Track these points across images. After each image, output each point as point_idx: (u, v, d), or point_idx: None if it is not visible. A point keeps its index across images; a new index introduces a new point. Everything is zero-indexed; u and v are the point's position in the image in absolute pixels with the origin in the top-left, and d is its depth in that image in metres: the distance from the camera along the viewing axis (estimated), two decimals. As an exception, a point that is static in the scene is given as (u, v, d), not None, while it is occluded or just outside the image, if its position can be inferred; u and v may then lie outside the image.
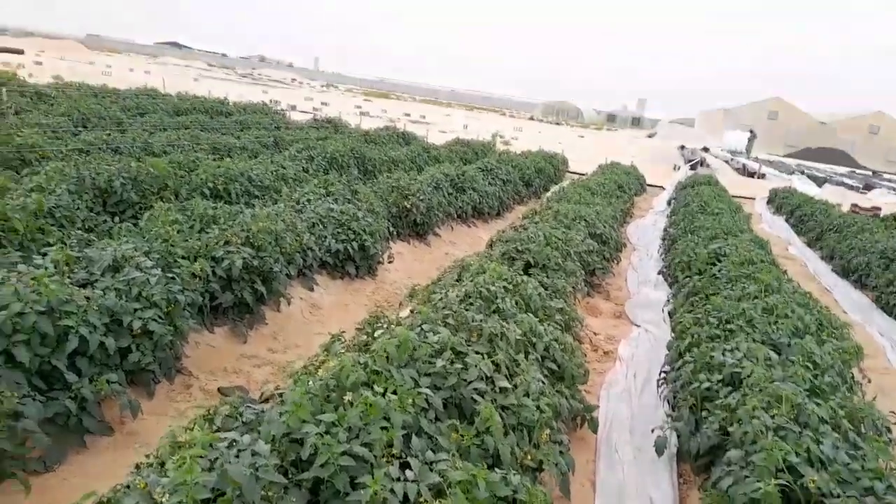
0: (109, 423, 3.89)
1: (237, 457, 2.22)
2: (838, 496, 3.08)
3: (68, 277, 4.26)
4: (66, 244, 5.01)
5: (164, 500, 1.98)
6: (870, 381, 5.68)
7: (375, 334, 4.21)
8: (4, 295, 3.62)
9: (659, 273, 9.59)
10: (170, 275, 4.69)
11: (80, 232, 5.64)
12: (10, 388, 3.34)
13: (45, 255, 4.53)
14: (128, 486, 2.24)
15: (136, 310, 4.17)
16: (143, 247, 4.93)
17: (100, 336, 3.85)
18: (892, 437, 4.31)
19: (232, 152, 11.42)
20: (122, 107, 15.46)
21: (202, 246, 5.32)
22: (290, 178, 9.61)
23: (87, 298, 3.95)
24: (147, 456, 2.67)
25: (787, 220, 18.13)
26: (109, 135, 10.21)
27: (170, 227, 5.43)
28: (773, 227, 17.16)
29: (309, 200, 7.87)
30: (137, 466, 2.59)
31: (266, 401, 3.24)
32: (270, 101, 30.09)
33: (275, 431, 2.54)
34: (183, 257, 5.06)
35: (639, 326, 7.35)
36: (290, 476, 2.45)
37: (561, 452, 3.70)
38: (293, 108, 31.55)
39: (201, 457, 2.15)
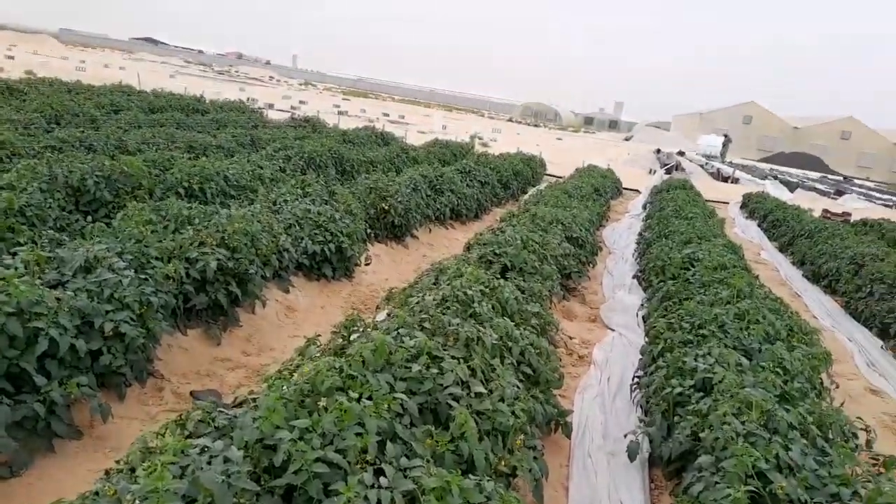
0: (79, 426, 3.83)
1: (209, 463, 2.20)
2: (805, 502, 3.13)
3: (39, 278, 4.19)
4: (36, 244, 4.92)
5: (134, 508, 1.96)
6: (838, 387, 5.80)
7: (351, 338, 4.20)
8: (-29, 296, 3.54)
9: (634, 277, 9.68)
10: (143, 276, 4.63)
11: (51, 231, 5.53)
12: (-24, 391, 3.27)
13: (15, 254, 4.45)
14: (97, 493, 2.21)
15: (107, 311, 4.11)
16: (115, 247, 4.86)
17: (70, 338, 3.79)
18: (859, 443, 4.40)
19: (208, 151, 11.30)
20: (97, 103, 15.23)
21: (176, 247, 5.26)
22: (266, 178, 9.54)
23: (58, 300, 3.88)
24: (117, 462, 2.63)
25: (759, 225, 18.42)
26: (83, 132, 10.04)
27: (143, 228, 5.37)
28: (745, 232, 17.41)
29: (286, 201, 7.82)
30: (107, 472, 2.56)
31: (239, 405, 3.21)
32: (248, 99, 29.86)
33: (248, 437, 2.52)
34: (157, 258, 5.00)
35: (613, 331, 7.42)
36: (262, 483, 2.43)
37: (535, 458, 3.72)
38: (271, 106, 31.32)
39: (172, 463, 2.13)
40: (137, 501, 2.05)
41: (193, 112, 18.17)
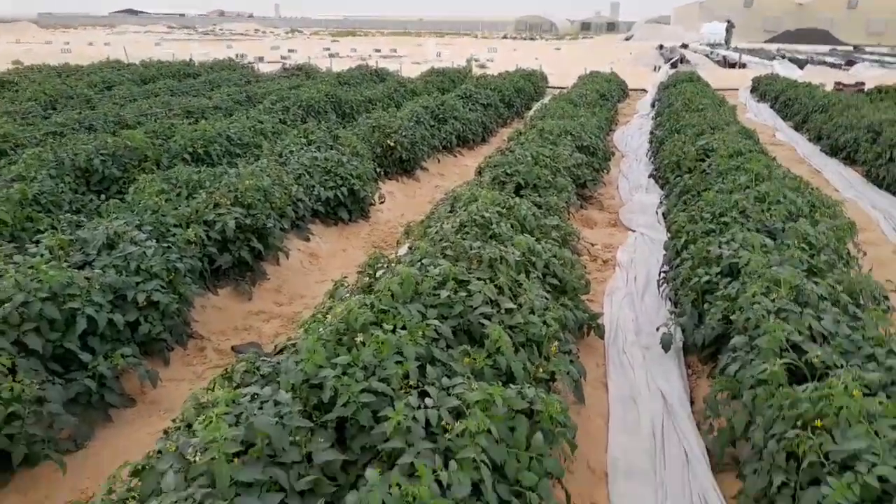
0: (131, 394, 3.99)
1: (261, 408, 2.29)
2: (841, 367, 3.18)
3: (65, 261, 4.28)
4: (56, 229, 5.01)
5: (196, 458, 2.06)
6: (865, 255, 5.78)
7: (377, 275, 4.26)
8: (6, 287, 3.64)
9: (650, 177, 9.59)
10: (165, 244, 4.70)
11: (68, 215, 5.62)
12: (29, 375, 3.40)
13: (38, 242, 4.53)
14: (159, 452, 2.33)
15: (137, 283, 4.21)
16: (134, 220, 4.92)
17: (107, 313, 3.90)
18: (890, 305, 4.42)
19: (206, 114, 11.23)
20: (88, 83, 15.10)
21: (192, 212, 5.31)
22: (268, 131, 9.49)
23: (88, 279, 3.97)
24: (173, 421, 2.75)
25: (772, 107, 18.00)
26: (80, 113, 10.00)
27: (157, 198, 5.41)
28: (758, 116, 17.04)
29: (291, 152, 7.80)
30: (166, 432, 2.68)
31: (280, 352, 3.31)
32: (236, 55, 29.36)
33: (293, 380, 2.61)
34: (175, 225, 5.06)
35: (634, 231, 7.42)
36: (314, 419, 2.53)
37: (571, 361, 3.81)
38: (260, 59, 30.77)
39: (226, 413, 2.22)
40: (199, 454, 2.15)
41: (185, 77, 17.97)
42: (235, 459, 2.14)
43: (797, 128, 14.68)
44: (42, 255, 4.20)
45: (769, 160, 7.39)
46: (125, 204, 5.59)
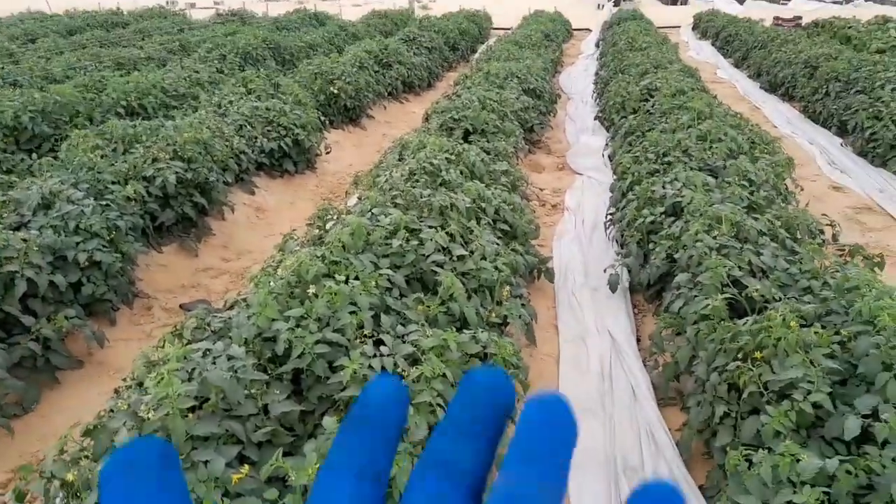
0: (78, 356, 3.90)
1: (214, 364, 2.27)
2: (779, 300, 3.33)
3: (-2, 223, 4.10)
4: (-15, 190, 4.77)
5: (149, 416, 2.04)
6: (802, 190, 5.99)
7: (327, 227, 4.22)
8: (-65, 251, 3.48)
9: (595, 119, 9.65)
10: (104, 203, 4.54)
11: (-2, 175, 5.36)
12: (-32, 342, 3.29)
13: (-34, 204, 4.32)
14: (111, 410, 2.29)
15: (77, 243, 4.06)
16: (69, 179, 4.72)
17: (47, 275, 3.77)
18: (826, 238, 4.62)
19: (138, 65, 10.72)
20: (9, 35, 14.19)
21: (130, 168, 5.12)
22: (205, 81, 9.13)
23: (24, 240, 3.82)
24: (123, 380, 2.71)
25: (713, 44, 18.18)
26: (2, 68, 9.43)
27: (92, 154, 5.19)
28: (700, 53, 17.21)
29: (230, 102, 7.54)
30: (116, 391, 2.64)
31: (231, 308, 3.27)
32: (167, 2, 27.96)
33: (246, 334, 2.59)
34: (113, 182, 4.88)
35: (581, 175, 7.49)
36: (269, 373, 2.53)
37: (522, 305, 3.88)
38: (192, 5, 29.34)
39: (178, 370, 2.19)
40: (152, 410, 2.13)
41: (114, 26, 17.09)
42: (190, 414, 2.13)
43: (737, 65, 14.90)
44: (-28, 218, 4.01)
45: (711, 98, 7.51)
46: (59, 162, 5.35)
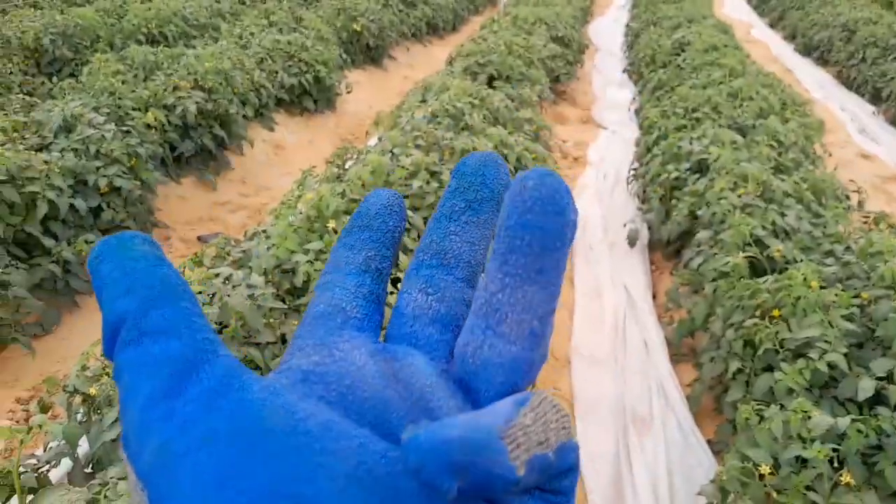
0: (98, 281, 3.94)
1: (234, 290, 2.28)
2: (801, 261, 3.29)
3: (21, 144, 4.09)
4: (8, 111, 4.75)
5: (171, 337, 2.06)
6: (831, 155, 5.86)
7: (346, 165, 4.19)
8: (-42, 168, 3.49)
9: (623, 72, 9.44)
10: (124, 128, 4.52)
11: (20, 97, 5.33)
12: (-9, 259, 3.34)
13: (-12, 123, 4.31)
14: (133, 332, 2.32)
15: (98, 168, 4.07)
16: (90, 103, 4.69)
17: (68, 198, 3.79)
18: (851, 204, 4.54)
19: (160, -9, 10.53)
20: (28, -47, 13.95)
21: (151, 95, 5.08)
22: (226, 12, 8.98)
23: (46, 162, 3.82)
24: (144, 303, 2.73)
25: (748, 2, 17.63)
26: (22, -13, 9.30)
27: (113, 79, 5.14)
28: (735, 11, 16.70)
29: (252, 34, 7.43)
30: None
31: (251, 239, 3.28)
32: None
33: (265, 265, 2.60)
34: (134, 109, 4.85)
35: (606, 129, 7.37)
36: (286, 304, 2.54)
37: (541, 254, 3.86)
38: (217, -65, 28.68)
39: (199, 293, 2.21)
40: (173, 333, 2.15)
41: (135, -49, 16.72)
42: (210, 340, 2.15)
43: (773, 25, 14.46)
44: (-6, 137, 4.01)
45: (744, 56, 7.31)
46: (80, 85, 5.32)
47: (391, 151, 4.00)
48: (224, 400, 0.23)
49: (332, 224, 2.86)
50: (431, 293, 0.29)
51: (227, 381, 0.24)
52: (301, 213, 3.03)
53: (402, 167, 3.68)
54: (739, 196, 3.75)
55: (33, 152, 3.89)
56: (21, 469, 1.88)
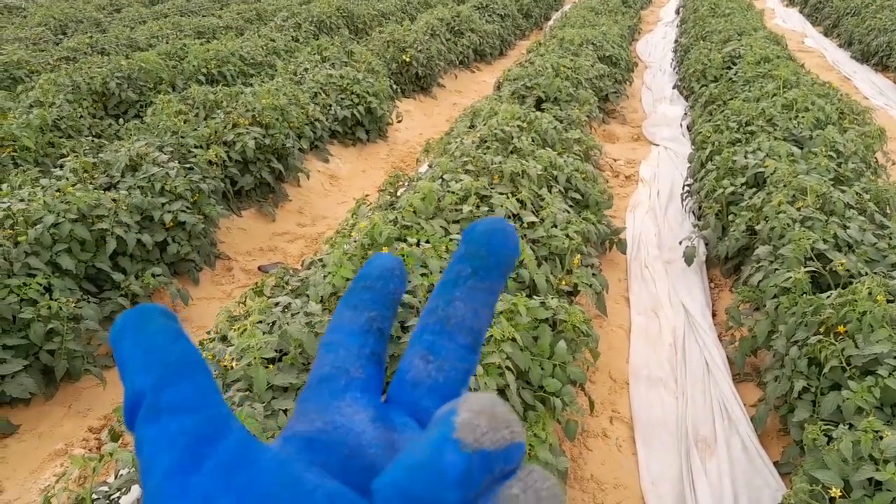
0: (164, 313, 4.10)
1: (293, 318, 2.36)
2: (865, 275, 3.18)
3: (90, 184, 4.32)
4: (79, 153, 5.03)
5: (233, 364, 2.14)
6: (894, 164, 5.66)
7: (398, 193, 4.27)
8: (36, 209, 3.71)
9: (674, 87, 9.34)
10: (187, 165, 4.72)
11: (89, 139, 5.64)
12: (65, 294, 3.51)
13: (62, 166, 4.57)
14: (198, 361, 2.41)
15: (163, 204, 4.26)
16: (154, 142, 4.92)
17: (135, 234, 3.97)
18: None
19: (217, 33, 11.01)
20: (96, 6, 14.77)
21: (211, 132, 5.30)
22: (281, 50, 9.31)
23: (115, 200, 4.02)
24: (207, 333, 2.84)
25: (800, 11, 17.23)
26: (91, 37, 9.85)
27: (176, 119, 5.39)
28: (787, 22, 16.34)
29: (306, 70, 7.67)
30: (201, 343, 2.77)
31: (308, 268, 3.37)
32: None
33: (321, 292, 2.67)
34: (196, 146, 5.06)
35: (658, 145, 7.29)
36: (343, 330, 2.60)
37: (593, 275, 3.84)
38: (269, -24, 29.78)
39: (260, 322, 2.29)
40: (235, 360, 2.23)
41: (193, -4, 17.52)
42: (270, 366, 2.23)
43: (827, 33, 14.09)
44: (67, 178, 4.25)
45: (797, 66, 7.15)
46: (144, 126, 5.59)
47: (441, 178, 4.06)
48: (237, 475, 0.24)
49: (385, 250, 2.92)
50: (432, 360, 0.30)
51: (240, 454, 0.25)
52: (355, 241, 3.11)
53: (452, 192, 3.73)
54: (798, 209, 3.65)
55: (102, 191, 4.10)
56: (94, 496, 1.97)
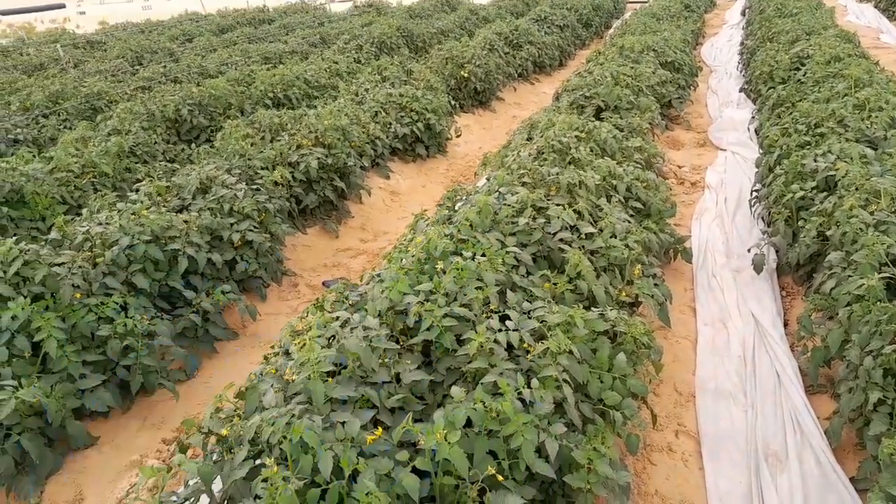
0: (233, 328, 4.26)
1: (351, 333, 2.41)
2: (950, 279, 3.01)
3: (163, 206, 4.54)
4: (153, 177, 5.29)
5: (293, 378, 2.21)
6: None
7: (456, 207, 4.30)
8: (112, 231, 3.92)
9: (740, 91, 9.08)
10: (254, 186, 4.90)
11: (163, 163, 5.93)
12: (139, 312, 3.70)
13: (137, 190, 4.82)
14: (261, 374, 2.50)
15: (231, 224, 4.43)
16: (223, 165, 5.13)
17: (206, 253, 4.14)
18: None
19: (283, 58, 11.39)
20: (170, 37, 15.55)
21: (277, 154, 5.49)
22: (343, 71, 9.55)
23: (186, 222, 4.21)
24: (272, 347, 2.93)
25: (875, 6, 16.48)
26: (165, 67, 10.37)
27: (243, 143, 5.61)
28: (861, 18, 15.65)
29: (367, 90, 7.84)
30: (265, 357, 2.86)
31: (367, 283, 3.43)
32: (308, -3, 29.36)
33: (379, 307, 2.72)
34: (262, 168, 5.25)
35: (724, 150, 7.10)
36: (400, 343, 2.64)
37: (656, 285, 3.76)
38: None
39: (319, 337, 2.35)
40: (295, 374, 2.30)
41: (260, 23, 18.22)
42: (329, 379, 2.28)
43: (907, 27, 13.42)
44: (142, 202, 4.47)
45: (870, 65, 6.84)
46: (214, 150, 5.83)
47: (498, 191, 4.07)
48: None
49: (440, 265, 2.95)
50: None
51: None
52: (412, 256, 3.15)
53: (508, 205, 3.74)
54: (872, 213, 3.49)
55: (174, 213, 4.30)
56: (166, 504, 2.05)
